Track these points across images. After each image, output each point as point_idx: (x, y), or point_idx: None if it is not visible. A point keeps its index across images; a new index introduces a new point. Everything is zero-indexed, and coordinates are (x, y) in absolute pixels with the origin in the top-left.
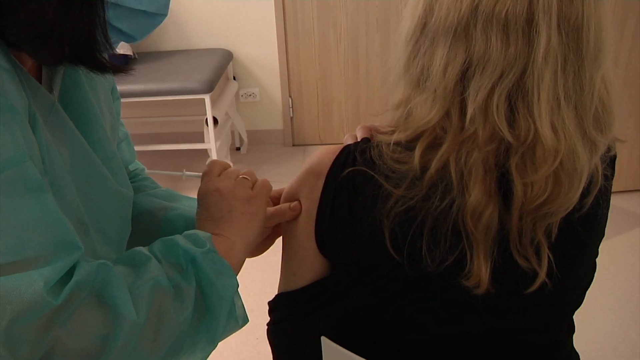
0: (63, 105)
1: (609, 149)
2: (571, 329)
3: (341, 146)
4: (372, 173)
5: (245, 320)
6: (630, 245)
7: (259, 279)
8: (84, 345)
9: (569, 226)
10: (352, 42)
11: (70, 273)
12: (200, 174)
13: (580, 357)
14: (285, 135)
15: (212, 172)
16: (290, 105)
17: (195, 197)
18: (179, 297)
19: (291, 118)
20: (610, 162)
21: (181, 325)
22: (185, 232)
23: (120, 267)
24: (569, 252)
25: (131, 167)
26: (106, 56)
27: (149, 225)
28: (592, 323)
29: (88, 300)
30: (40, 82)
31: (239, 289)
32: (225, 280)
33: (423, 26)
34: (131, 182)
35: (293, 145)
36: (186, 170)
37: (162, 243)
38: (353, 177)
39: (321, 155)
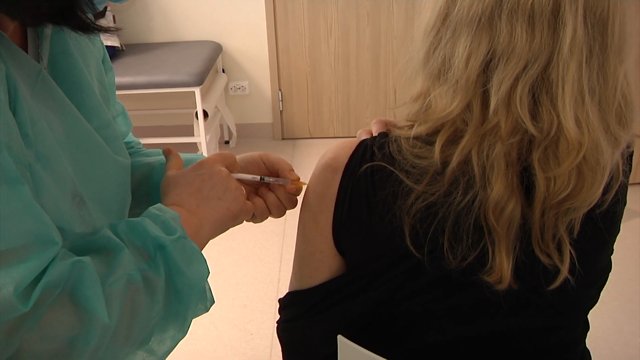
0: (52, 74)
1: (628, 145)
2: (586, 327)
3: (357, 140)
4: (392, 168)
5: (212, 302)
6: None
7: (252, 274)
8: (53, 347)
9: (591, 222)
10: (343, 35)
11: (42, 271)
12: (281, 179)
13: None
14: (274, 128)
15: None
16: (280, 99)
17: None
18: (149, 290)
19: (281, 111)
20: (628, 158)
21: (153, 320)
22: (153, 209)
23: (94, 258)
24: (590, 248)
25: (126, 140)
26: (90, 16)
27: (143, 177)
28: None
29: (59, 300)
30: (27, 51)
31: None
32: (196, 268)
33: (445, 17)
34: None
35: (282, 138)
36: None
37: (128, 225)
38: (372, 172)
39: (337, 150)
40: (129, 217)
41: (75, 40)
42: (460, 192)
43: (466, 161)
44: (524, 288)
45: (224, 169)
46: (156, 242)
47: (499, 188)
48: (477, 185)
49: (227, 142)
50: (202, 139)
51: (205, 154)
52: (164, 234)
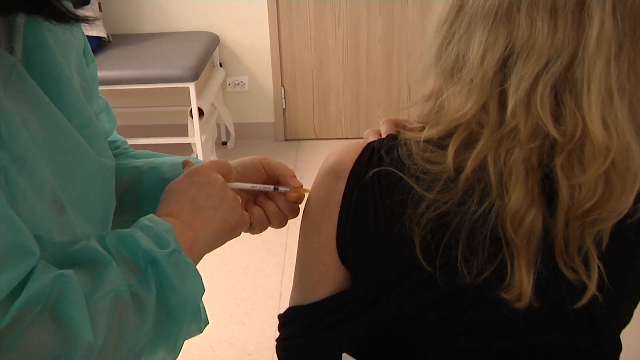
0: (27, 68)
1: None
2: (618, 348)
3: (364, 143)
4: (401, 174)
5: (206, 323)
6: None
7: (251, 288)
8: None
9: (621, 233)
10: (352, 26)
11: (21, 285)
12: (282, 187)
13: None
14: (276, 128)
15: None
16: (283, 96)
17: None
18: (138, 308)
19: (283, 110)
20: None
21: (142, 340)
22: (145, 220)
23: (78, 272)
24: (621, 262)
25: (110, 138)
26: (67, 4)
27: (131, 182)
28: None
29: (40, 317)
30: None
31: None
32: (191, 285)
33: (459, 9)
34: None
35: (285, 139)
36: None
37: (117, 237)
38: (379, 178)
39: (341, 153)
40: (114, 226)
41: (52, 30)
42: (475, 201)
43: (482, 167)
44: (547, 306)
45: (219, 176)
46: (148, 255)
47: (517, 196)
48: (493, 193)
49: (224, 144)
50: (197, 140)
51: (200, 156)
52: (157, 247)
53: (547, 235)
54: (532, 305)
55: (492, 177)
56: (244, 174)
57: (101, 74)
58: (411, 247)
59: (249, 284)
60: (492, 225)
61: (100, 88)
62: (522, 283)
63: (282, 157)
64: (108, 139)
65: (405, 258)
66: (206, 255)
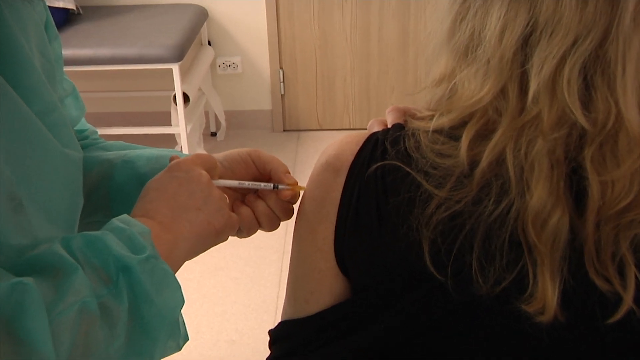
0: None
1: None
2: None
3: (366, 134)
4: (408, 169)
5: (186, 339)
6: None
7: (243, 301)
8: None
9: None
10: (362, 0)
11: None
12: (273, 184)
13: None
14: (274, 117)
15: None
16: (281, 80)
17: None
18: (108, 321)
19: (282, 96)
20: None
21: (111, 358)
22: (117, 221)
23: (39, 281)
24: None
25: (78, 127)
26: None
27: (101, 177)
28: None
29: None
30: None
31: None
32: (168, 295)
33: None
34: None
35: (284, 130)
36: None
37: (85, 240)
38: (383, 174)
39: (340, 145)
40: (82, 227)
41: (8, 3)
42: (492, 200)
43: (500, 161)
44: (574, 321)
45: (204, 172)
46: (120, 262)
47: (540, 194)
48: (513, 190)
49: (213, 134)
50: (182, 130)
51: (185, 149)
52: (130, 252)
53: (574, 239)
54: (558, 320)
55: (512, 172)
56: (230, 169)
57: (68, 52)
58: (419, 252)
59: (241, 296)
60: (511, 228)
61: (67, 69)
62: (546, 294)
63: (280, 151)
64: (75, 128)
65: (412, 265)
66: (191, 263)
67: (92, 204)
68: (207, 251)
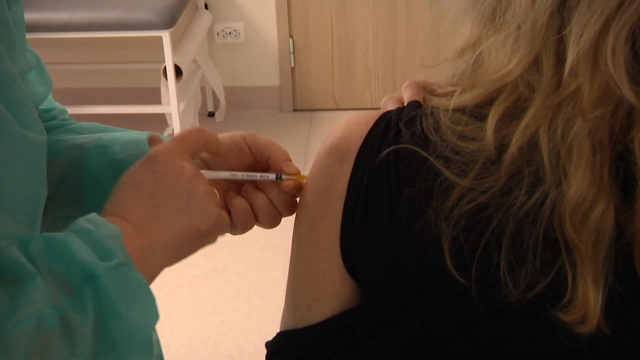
0: None
1: None
2: None
3: (377, 114)
4: (425, 154)
5: (160, 359)
6: None
7: (244, 310)
8: None
9: None
10: None
11: None
12: (272, 174)
13: None
14: (282, 95)
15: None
16: (291, 50)
17: None
18: (69, 337)
19: (292, 69)
20: None
21: None
22: (84, 221)
23: None
24: None
25: (43, 106)
26: None
27: (70, 165)
28: None
29: None
30: None
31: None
32: (140, 309)
33: None
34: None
35: (294, 110)
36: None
37: (46, 243)
38: (396, 160)
39: (347, 126)
40: (49, 222)
41: None
42: (523, 190)
43: (532, 144)
44: (621, 332)
45: (187, 164)
46: (85, 270)
47: (580, 183)
48: (548, 179)
49: (211, 115)
50: (173, 109)
51: (177, 131)
52: (97, 258)
53: (621, 237)
54: (601, 331)
55: (546, 157)
56: (222, 156)
57: (37, 16)
58: (438, 251)
59: (241, 304)
60: (546, 222)
61: (36, 36)
62: (588, 300)
63: (290, 134)
64: (40, 107)
65: (429, 266)
66: (183, 265)
67: (60, 195)
68: (201, 252)
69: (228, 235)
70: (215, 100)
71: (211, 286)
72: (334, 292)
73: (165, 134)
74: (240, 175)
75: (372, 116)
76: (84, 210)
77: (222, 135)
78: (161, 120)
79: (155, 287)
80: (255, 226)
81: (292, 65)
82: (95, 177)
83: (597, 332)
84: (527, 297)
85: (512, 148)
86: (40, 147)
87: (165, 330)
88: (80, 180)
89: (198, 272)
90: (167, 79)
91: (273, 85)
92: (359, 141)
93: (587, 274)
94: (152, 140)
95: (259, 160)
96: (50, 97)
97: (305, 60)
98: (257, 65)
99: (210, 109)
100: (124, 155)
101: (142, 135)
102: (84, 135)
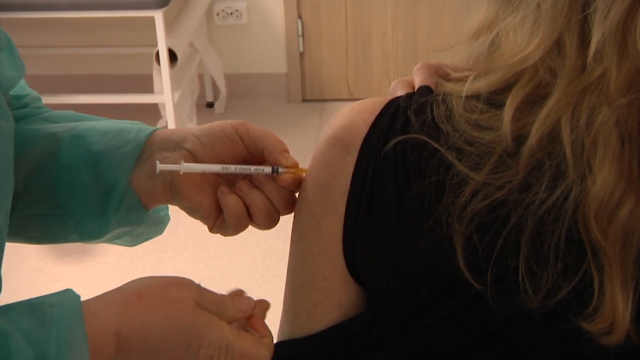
0: None
1: None
2: None
3: (384, 100)
4: (436, 145)
5: None
6: None
7: None
8: None
9: None
10: None
11: None
12: (268, 167)
13: None
14: (290, 83)
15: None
16: (300, 33)
17: None
18: None
19: (301, 54)
20: None
21: None
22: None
23: None
24: None
25: (14, 92)
26: None
27: (43, 157)
28: None
29: None
30: None
31: None
32: None
33: None
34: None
35: (304, 100)
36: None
37: None
38: (404, 151)
39: (351, 114)
40: (20, 221)
41: None
42: (544, 185)
43: (554, 135)
44: None
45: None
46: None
47: (606, 178)
48: (571, 173)
49: (210, 105)
50: (167, 99)
51: (171, 124)
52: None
53: None
54: (631, 342)
55: (569, 149)
56: (211, 146)
57: None
58: (449, 252)
59: None
60: (569, 222)
61: (8, 16)
62: (616, 308)
63: (299, 127)
64: (10, 93)
65: (440, 269)
66: (177, 274)
67: (32, 191)
68: (199, 261)
69: (228, 242)
70: (215, 89)
71: None
72: (336, 298)
73: (158, 126)
74: (233, 168)
75: (378, 103)
76: (59, 207)
77: (211, 125)
78: (153, 111)
79: None
80: (258, 230)
81: (301, 49)
82: (70, 171)
83: (626, 343)
84: (548, 304)
85: (532, 139)
86: (6, 135)
87: None
88: (54, 174)
89: (196, 280)
90: (159, 65)
91: (279, 73)
92: (364, 130)
93: (615, 278)
94: (152, 143)
95: (253, 152)
96: (22, 82)
97: (316, 45)
98: (261, 50)
99: (209, 98)
100: (102, 146)
101: (124, 124)
102: (59, 125)
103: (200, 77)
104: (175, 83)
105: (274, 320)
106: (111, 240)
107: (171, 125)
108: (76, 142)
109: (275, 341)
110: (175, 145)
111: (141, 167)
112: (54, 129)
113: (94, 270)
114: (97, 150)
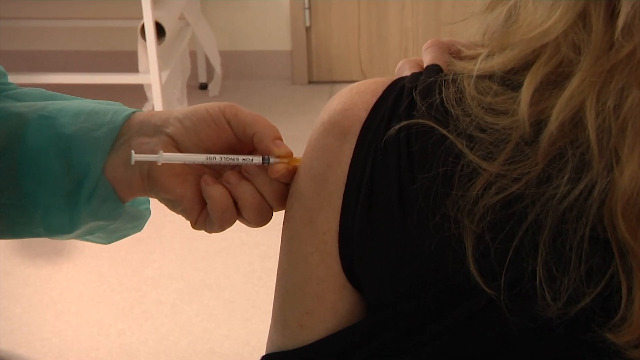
0: None
1: None
2: None
3: (388, 80)
4: (445, 131)
5: None
6: None
7: (240, 336)
8: None
9: None
10: None
11: None
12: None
13: None
14: (295, 62)
15: None
16: (307, 5)
17: None
18: None
19: (307, 29)
20: None
21: None
22: None
23: None
24: None
25: None
26: None
27: (7, 139)
28: None
29: None
30: None
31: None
32: None
33: None
34: None
35: (310, 82)
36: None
37: None
38: (408, 138)
39: (350, 96)
40: None
41: None
42: (566, 177)
43: (577, 120)
44: None
45: None
46: None
47: (636, 169)
48: (596, 164)
49: (203, 87)
50: (154, 79)
51: (158, 106)
52: None
53: None
54: None
55: (594, 136)
56: (195, 131)
57: None
58: (458, 253)
59: (236, 328)
60: (593, 219)
61: None
62: None
63: (304, 112)
64: None
65: (448, 272)
66: (165, 280)
67: None
68: (188, 263)
69: (221, 242)
70: (209, 68)
71: (199, 305)
72: (331, 305)
73: (144, 109)
74: (219, 158)
75: (381, 83)
76: (23, 196)
77: (196, 107)
78: (139, 92)
79: (128, 305)
80: (253, 229)
81: (308, 24)
82: (37, 155)
83: None
84: (570, 312)
85: (552, 125)
86: None
87: (140, 359)
88: (18, 159)
89: (182, 286)
90: (145, 40)
91: (283, 50)
92: (364, 114)
93: None
94: (130, 128)
95: (242, 138)
96: None
97: (324, 19)
98: (262, 24)
99: (203, 79)
100: (73, 129)
101: (99, 105)
102: (26, 103)
103: (192, 54)
104: (162, 61)
105: (266, 330)
106: (82, 236)
107: (158, 109)
108: (45, 123)
109: (263, 354)
110: (155, 130)
111: (116, 154)
112: (19, 109)
113: (69, 272)
114: (68, 133)
